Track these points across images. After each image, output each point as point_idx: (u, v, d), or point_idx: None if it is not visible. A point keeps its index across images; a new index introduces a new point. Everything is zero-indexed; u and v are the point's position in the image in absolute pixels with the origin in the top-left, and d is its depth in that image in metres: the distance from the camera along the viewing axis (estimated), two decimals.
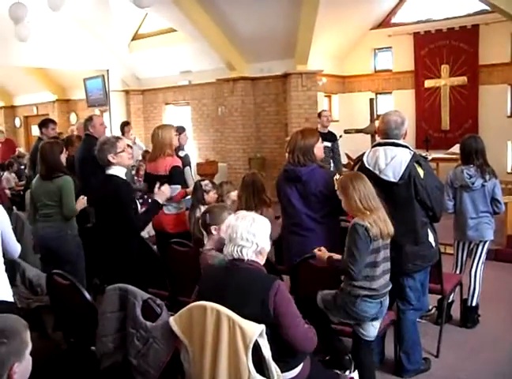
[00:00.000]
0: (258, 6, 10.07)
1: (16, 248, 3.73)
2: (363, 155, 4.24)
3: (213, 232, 3.91)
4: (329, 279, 3.82)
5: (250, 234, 2.95)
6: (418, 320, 4.51)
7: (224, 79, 12.39)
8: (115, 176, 4.48)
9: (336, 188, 3.83)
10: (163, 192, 4.71)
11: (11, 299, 3.52)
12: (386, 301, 3.73)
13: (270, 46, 11.09)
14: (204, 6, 10.91)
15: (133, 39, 14.23)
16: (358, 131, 9.15)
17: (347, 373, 3.67)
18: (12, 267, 3.76)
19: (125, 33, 13.89)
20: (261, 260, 3.05)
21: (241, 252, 2.95)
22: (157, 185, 4.79)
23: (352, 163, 4.88)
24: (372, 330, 3.69)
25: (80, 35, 12.96)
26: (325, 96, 12.28)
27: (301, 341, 2.90)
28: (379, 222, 3.54)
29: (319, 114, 9.00)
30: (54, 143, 5.49)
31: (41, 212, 5.34)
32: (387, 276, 3.71)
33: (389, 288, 3.74)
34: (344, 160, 9.96)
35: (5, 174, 10.84)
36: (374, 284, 3.59)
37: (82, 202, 5.34)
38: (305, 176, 4.38)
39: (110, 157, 4.44)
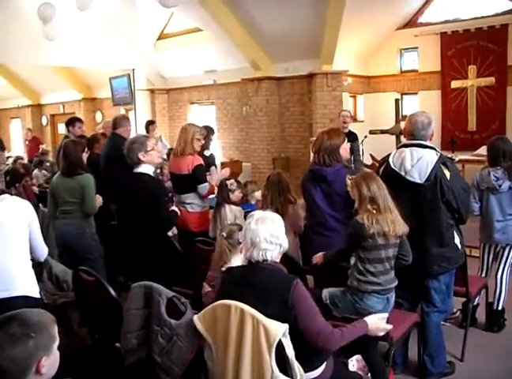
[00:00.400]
0: (284, 6, 10.05)
1: (43, 250, 3.73)
2: (388, 156, 4.22)
3: (243, 251, 3.71)
4: None
5: (273, 237, 2.94)
6: (442, 322, 4.47)
7: (249, 79, 12.39)
8: (147, 174, 4.53)
9: (349, 187, 3.89)
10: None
11: (38, 295, 3.56)
12: (392, 298, 3.78)
13: (295, 46, 11.07)
14: (229, 6, 10.93)
15: (159, 38, 14.30)
16: (383, 132, 9.11)
17: (369, 375, 3.65)
18: (39, 263, 3.79)
19: (151, 33, 13.97)
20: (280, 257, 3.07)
21: (265, 255, 2.93)
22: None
23: (377, 164, 4.86)
24: None
25: (107, 35, 13.07)
26: (351, 96, 12.22)
27: (318, 335, 2.83)
28: (383, 222, 3.59)
29: (339, 114, 9.00)
30: (77, 142, 5.56)
31: (61, 208, 5.39)
32: (392, 273, 3.75)
33: (395, 284, 3.77)
34: (369, 161, 9.91)
35: (36, 171, 10.98)
36: (380, 279, 3.66)
37: (98, 201, 5.41)
38: (330, 176, 4.38)
39: (140, 155, 4.50)
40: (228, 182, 5.41)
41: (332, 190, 4.41)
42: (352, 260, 3.74)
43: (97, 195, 5.41)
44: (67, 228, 5.30)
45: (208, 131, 7.16)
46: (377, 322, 3.14)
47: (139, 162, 4.54)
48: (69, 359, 2.36)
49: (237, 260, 3.49)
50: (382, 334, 3.20)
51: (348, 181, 4.06)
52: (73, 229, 5.28)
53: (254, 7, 10.63)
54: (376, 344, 3.72)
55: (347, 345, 2.94)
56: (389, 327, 3.21)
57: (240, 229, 3.59)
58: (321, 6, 9.84)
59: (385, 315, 3.28)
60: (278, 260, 3.04)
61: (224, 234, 3.73)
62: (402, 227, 3.65)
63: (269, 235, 2.92)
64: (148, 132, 11.21)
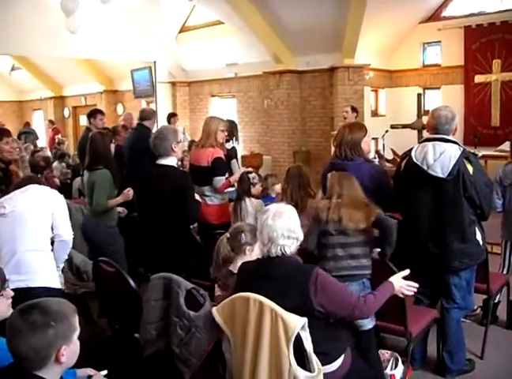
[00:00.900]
0: None
1: (67, 231, 3.72)
2: (410, 150, 4.19)
3: (247, 252, 3.56)
4: (374, 273, 3.78)
5: (291, 232, 2.94)
6: (462, 319, 4.43)
7: (271, 72, 12.36)
8: (172, 167, 4.54)
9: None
10: None
11: (58, 286, 3.59)
12: (368, 283, 3.78)
13: (317, 40, 11.01)
14: None
15: (181, 31, 14.32)
16: (404, 126, 9.02)
17: (388, 369, 3.63)
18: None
19: (172, 25, 13.99)
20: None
21: (283, 250, 2.94)
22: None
23: (399, 159, 4.82)
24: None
25: (129, 28, 13.12)
26: (372, 91, 12.14)
27: (353, 310, 2.93)
28: (338, 210, 3.75)
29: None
30: (105, 134, 5.54)
31: (87, 201, 5.46)
32: (359, 260, 3.78)
33: (367, 272, 3.80)
34: (390, 156, 9.82)
35: (55, 163, 11.08)
36: (341, 264, 3.74)
37: (127, 195, 5.33)
38: (351, 170, 4.35)
39: (173, 146, 4.51)
40: (250, 176, 5.39)
41: None
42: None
43: (128, 189, 5.38)
44: (85, 221, 5.39)
45: (232, 125, 7.19)
46: (400, 280, 3.18)
47: (169, 153, 4.54)
48: (89, 349, 2.38)
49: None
50: (406, 292, 3.21)
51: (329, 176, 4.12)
52: (88, 222, 5.32)
53: (277, 1, 10.59)
54: (369, 335, 3.71)
55: None
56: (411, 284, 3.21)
57: (251, 230, 3.57)
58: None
59: (407, 271, 3.27)
60: (295, 252, 3.05)
61: (228, 235, 3.67)
62: (357, 223, 3.73)
63: (286, 231, 2.93)
64: (169, 124, 11.29)
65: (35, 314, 2.05)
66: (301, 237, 3.01)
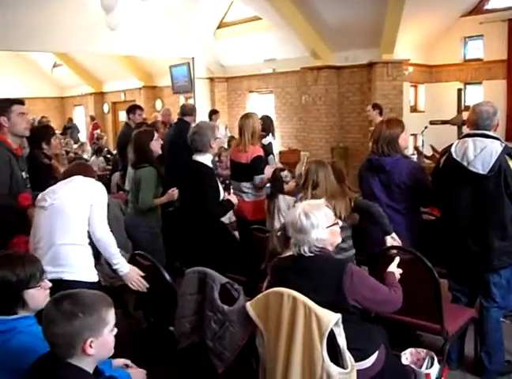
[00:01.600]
0: None
1: (100, 228, 3.59)
2: (449, 146, 4.12)
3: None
4: (410, 271, 3.73)
5: (323, 231, 2.95)
6: (502, 319, 4.33)
7: (308, 67, 12.30)
8: (202, 163, 4.56)
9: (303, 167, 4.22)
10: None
11: (95, 279, 3.61)
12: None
13: (355, 35, 10.91)
14: None
15: (219, 27, 14.35)
16: (444, 122, 8.88)
17: (423, 368, 3.58)
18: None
19: (211, 21, 14.04)
20: None
21: (315, 247, 2.95)
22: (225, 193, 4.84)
23: (438, 155, 4.75)
24: None
25: (168, 24, 13.22)
26: (411, 86, 11.98)
27: (386, 304, 3.01)
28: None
29: None
30: (143, 133, 5.46)
31: (129, 198, 5.45)
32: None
33: (351, 254, 4.15)
34: (429, 152, 9.70)
35: (93, 158, 11.27)
36: None
37: (172, 195, 5.28)
38: (389, 166, 4.32)
39: (211, 142, 4.55)
40: (283, 174, 5.40)
41: (390, 181, 4.36)
42: None
43: (172, 189, 5.39)
44: (126, 218, 5.37)
45: (268, 121, 7.18)
46: (396, 269, 3.28)
47: (206, 149, 4.57)
48: (125, 340, 2.41)
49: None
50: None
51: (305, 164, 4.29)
52: (130, 220, 5.30)
53: None
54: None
55: (400, 338, 2.93)
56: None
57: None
58: None
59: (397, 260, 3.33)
60: (328, 247, 3.04)
61: (278, 234, 3.70)
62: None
63: (316, 227, 2.93)
64: (211, 121, 11.40)
65: (66, 304, 2.11)
66: (322, 236, 2.99)
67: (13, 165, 4.21)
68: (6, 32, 10.17)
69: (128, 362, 2.79)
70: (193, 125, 6.50)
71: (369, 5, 10.05)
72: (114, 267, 3.73)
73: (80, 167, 4.05)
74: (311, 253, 2.94)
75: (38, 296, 2.51)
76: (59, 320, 2.07)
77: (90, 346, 2.10)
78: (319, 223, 2.95)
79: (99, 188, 3.70)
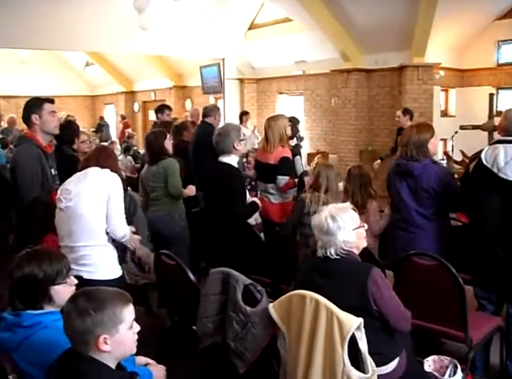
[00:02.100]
0: None
1: (118, 225, 3.58)
2: (479, 152, 4.06)
3: None
4: (435, 277, 3.70)
5: (350, 233, 2.96)
6: None
7: (339, 70, 12.25)
8: (229, 164, 4.59)
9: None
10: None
11: (118, 275, 3.63)
12: None
13: (386, 38, 10.84)
14: None
15: (250, 28, 14.39)
16: (474, 127, 8.77)
17: (446, 376, 3.55)
18: (123, 244, 3.89)
19: (241, 22, 14.08)
20: None
21: (342, 249, 2.96)
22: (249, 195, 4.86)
23: (468, 161, 4.69)
24: None
25: (199, 25, 13.30)
26: (442, 90, 11.85)
27: (400, 325, 2.99)
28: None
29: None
30: (158, 132, 5.61)
31: (151, 195, 5.50)
32: None
33: None
34: (459, 157, 9.59)
35: (121, 157, 11.38)
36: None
37: (191, 189, 5.44)
38: (417, 171, 4.28)
39: (235, 144, 4.57)
40: (307, 179, 5.39)
41: (418, 186, 4.31)
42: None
43: (190, 185, 5.46)
44: (157, 214, 5.40)
45: (293, 121, 7.17)
46: None
47: (230, 150, 4.60)
48: (149, 338, 2.43)
49: None
50: None
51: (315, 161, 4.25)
52: (162, 215, 5.36)
53: None
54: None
55: (424, 344, 2.92)
56: None
57: None
58: None
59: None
60: (354, 250, 3.04)
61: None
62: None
63: (346, 233, 2.94)
64: (241, 122, 11.54)
65: (81, 301, 2.15)
66: (349, 238, 3.00)
67: (43, 162, 4.28)
68: (41, 32, 10.34)
69: (150, 361, 2.82)
70: (219, 126, 6.56)
71: (401, 7, 9.98)
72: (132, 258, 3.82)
73: (99, 152, 3.94)
74: (337, 255, 2.96)
75: (63, 292, 2.55)
76: (73, 317, 2.13)
77: (105, 343, 2.13)
78: (346, 226, 2.97)
79: (114, 182, 3.62)
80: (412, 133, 4.41)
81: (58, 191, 3.64)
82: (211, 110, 6.93)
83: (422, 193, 4.29)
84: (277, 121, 5.62)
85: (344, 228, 2.96)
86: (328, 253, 2.96)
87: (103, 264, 3.49)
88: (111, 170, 3.70)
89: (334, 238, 2.95)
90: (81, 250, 3.45)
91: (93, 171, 3.62)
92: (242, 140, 4.66)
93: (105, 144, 13.10)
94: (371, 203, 4.93)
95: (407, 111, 9.21)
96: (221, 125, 6.52)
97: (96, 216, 3.52)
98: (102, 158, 3.77)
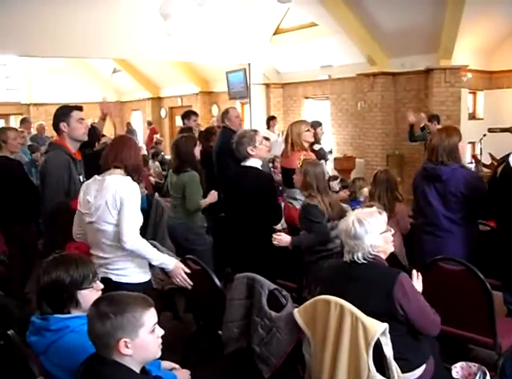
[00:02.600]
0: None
1: (126, 232, 3.31)
2: (508, 155, 4.03)
3: None
4: (462, 283, 3.66)
5: (377, 237, 2.95)
6: None
7: (365, 74, 12.20)
8: (255, 168, 4.61)
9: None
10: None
11: (145, 279, 3.58)
12: None
13: (412, 41, 10.76)
14: (346, 1, 10.82)
15: (275, 33, 14.40)
16: (503, 130, 8.67)
17: None
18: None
19: (267, 28, 14.10)
20: None
21: (369, 254, 2.96)
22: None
23: (496, 164, 4.64)
24: None
25: (224, 30, 13.32)
26: (470, 93, 11.73)
27: (428, 329, 2.98)
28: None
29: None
30: (188, 138, 5.60)
31: (172, 203, 5.58)
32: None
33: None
34: (488, 160, 9.49)
35: (150, 162, 11.47)
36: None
37: (213, 196, 5.45)
38: (445, 175, 4.24)
39: (249, 149, 4.60)
40: (332, 183, 5.37)
41: (447, 190, 4.28)
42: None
43: (212, 191, 5.49)
44: (174, 222, 5.48)
45: (314, 125, 7.16)
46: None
47: (247, 156, 4.63)
48: (174, 342, 2.45)
49: None
50: None
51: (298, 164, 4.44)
52: (179, 223, 5.42)
53: (371, 2, 10.47)
54: None
55: (451, 351, 2.89)
56: None
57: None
58: None
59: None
60: (381, 255, 3.03)
61: None
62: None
63: (373, 238, 2.94)
64: (268, 127, 11.56)
65: (103, 305, 2.20)
66: (386, 239, 2.99)
67: (71, 169, 4.35)
68: (69, 41, 10.46)
69: (175, 365, 2.83)
70: (239, 127, 6.61)
71: (427, 9, 9.90)
72: (159, 266, 3.62)
73: (117, 145, 3.66)
74: (364, 260, 2.95)
75: (90, 297, 2.58)
76: (95, 320, 2.17)
77: (126, 346, 2.15)
78: (373, 229, 2.96)
79: (127, 190, 3.38)
80: (442, 138, 4.37)
81: (81, 200, 3.56)
82: (226, 114, 6.94)
83: (450, 197, 4.26)
84: (295, 127, 5.66)
85: (372, 232, 2.96)
86: (355, 258, 2.95)
87: (131, 269, 3.46)
88: (133, 168, 3.53)
89: (361, 243, 2.94)
90: (110, 257, 3.43)
91: (109, 181, 3.40)
92: (257, 145, 4.68)
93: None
94: (399, 205, 4.91)
95: (433, 118, 9.12)
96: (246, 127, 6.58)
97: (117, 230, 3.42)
98: (121, 152, 3.53)
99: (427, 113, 9.78)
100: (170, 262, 3.55)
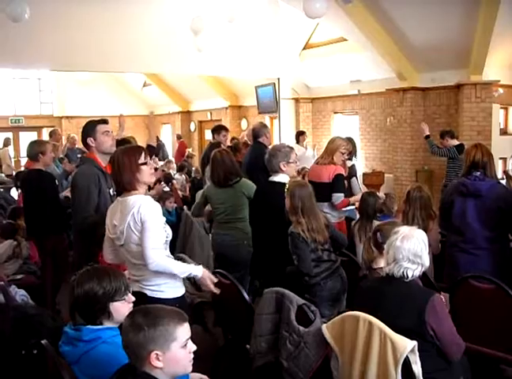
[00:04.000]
0: (431, 13, 9.75)
1: (148, 256, 3.27)
2: None
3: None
4: (493, 301, 3.62)
5: (417, 257, 2.98)
6: None
7: (394, 89, 12.15)
8: (284, 184, 4.62)
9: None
10: None
11: (177, 294, 3.56)
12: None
13: (443, 55, 10.70)
14: (375, 15, 10.82)
15: (305, 48, 14.45)
16: None
17: None
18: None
19: (296, 42, 14.17)
20: None
21: (406, 273, 2.97)
22: None
23: None
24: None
25: (253, 45, 13.42)
26: (501, 108, 11.61)
27: (452, 352, 2.94)
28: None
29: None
30: (224, 151, 5.59)
31: (218, 217, 5.47)
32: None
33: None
34: None
35: (177, 175, 11.57)
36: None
37: None
38: (485, 191, 4.22)
39: (281, 165, 4.63)
40: (371, 200, 5.25)
41: (485, 206, 4.25)
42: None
43: None
44: (225, 239, 5.40)
45: (351, 142, 7.19)
46: None
47: (278, 170, 4.65)
48: (203, 356, 2.47)
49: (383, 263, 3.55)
50: None
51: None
52: (231, 240, 5.35)
53: (401, 16, 10.45)
54: None
55: (483, 371, 2.87)
56: None
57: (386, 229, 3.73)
58: (471, 13, 9.43)
59: None
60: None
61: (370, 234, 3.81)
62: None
63: (412, 255, 2.97)
64: (298, 142, 11.61)
65: (138, 316, 2.24)
66: (427, 263, 3.04)
67: (101, 182, 4.41)
68: (101, 55, 10.65)
69: (204, 377, 2.84)
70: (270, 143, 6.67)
71: (457, 24, 9.85)
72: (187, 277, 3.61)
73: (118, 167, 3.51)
74: (403, 277, 2.96)
75: (122, 309, 2.63)
76: (129, 332, 2.21)
77: (157, 359, 2.18)
78: (416, 251, 3.00)
79: (148, 210, 3.34)
80: (478, 153, 4.36)
81: (108, 224, 3.54)
82: (259, 130, 6.98)
83: (489, 213, 4.24)
84: (333, 141, 5.73)
85: (427, 252, 3.02)
86: (399, 275, 2.96)
87: (165, 285, 3.45)
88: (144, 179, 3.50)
89: (420, 261, 2.99)
90: (144, 275, 3.42)
91: (130, 202, 3.37)
92: (290, 162, 4.69)
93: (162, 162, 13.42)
94: (433, 223, 4.80)
95: (446, 133, 9.24)
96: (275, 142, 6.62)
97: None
98: (121, 176, 3.45)
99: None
100: (197, 271, 3.50)
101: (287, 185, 4.47)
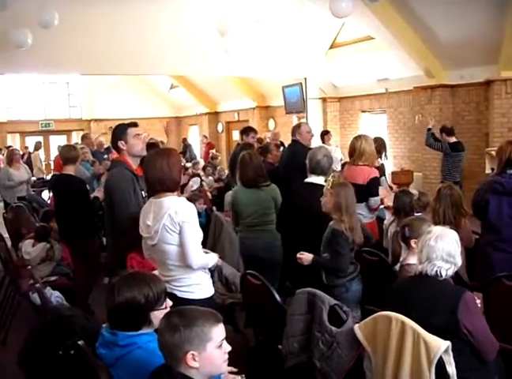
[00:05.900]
0: (459, 10, 9.66)
1: (191, 257, 3.42)
2: None
3: (413, 245, 3.84)
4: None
5: (450, 257, 2.98)
6: None
7: (422, 87, 12.06)
8: (319, 185, 4.61)
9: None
10: None
11: (208, 295, 3.63)
12: None
13: (471, 52, 10.58)
14: (402, 13, 10.74)
15: (331, 47, 14.42)
16: None
17: None
18: None
19: (323, 42, 14.14)
20: None
21: (440, 272, 2.98)
22: None
23: None
24: None
25: (280, 45, 13.41)
26: None
27: (487, 351, 2.92)
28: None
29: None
30: (252, 154, 5.57)
31: (247, 219, 5.44)
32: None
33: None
34: None
35: (204, 177, 11.61)
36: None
37: None
38: None
39: (329, 169, 4.68)
40: (406, 199, 5.21)
41: None
42: None
43: None
44: (254, 242, 5.37)
45: (380, 142, 7.15)
46: None
47: (325, 171, 4.70)
48: (234, 356, 2.49)
49: (412, 259, 3.64)
50: None
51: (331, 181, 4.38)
52: (264, 242, 5.32)
53: (428, 13, 10.36)
54: None
55: None
56: None
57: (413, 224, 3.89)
58: (500, 8, 9.31)
59: None
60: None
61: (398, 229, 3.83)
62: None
63: (445, 254, 2.97)
64: (323, 141, 11.60)
65: (174, 317, 2.27)
66: (459, 263, 3.04)
67: (134, 184, 4.46)
68: (128, 58, 10.76)
69: (234, 369, 2.81)
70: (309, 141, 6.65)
71: (486, 20, 9.73)
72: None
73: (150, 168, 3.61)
74: (436, 276, 2.97)
75: (161, 316, 2.62)
76: (165, 332, 2.24)
77: (193, 359, 2.20)
78: (450, 251, 3.00)
79: (185, 211, 3.44)
80: None
81: (141, 225, 3.61)
82: (294, 129, 6.97)
83: None
84: (362, 141, 5.68)
85: (459, 252, 3.02)
86: (432, 274, 2.96)
87: (195, 286, 3.52)
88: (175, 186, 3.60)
89: (453, 260, 2.99)
90: (175, 275, 3.50)
91: (165, 204, 3.45)
92: (331, 167, 4.85)
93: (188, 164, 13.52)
94: (465, 222, 4.75)
95: (445, 130, 9.21)
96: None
97: (180, 249, 3.47)
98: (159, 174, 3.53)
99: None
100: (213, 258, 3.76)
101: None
